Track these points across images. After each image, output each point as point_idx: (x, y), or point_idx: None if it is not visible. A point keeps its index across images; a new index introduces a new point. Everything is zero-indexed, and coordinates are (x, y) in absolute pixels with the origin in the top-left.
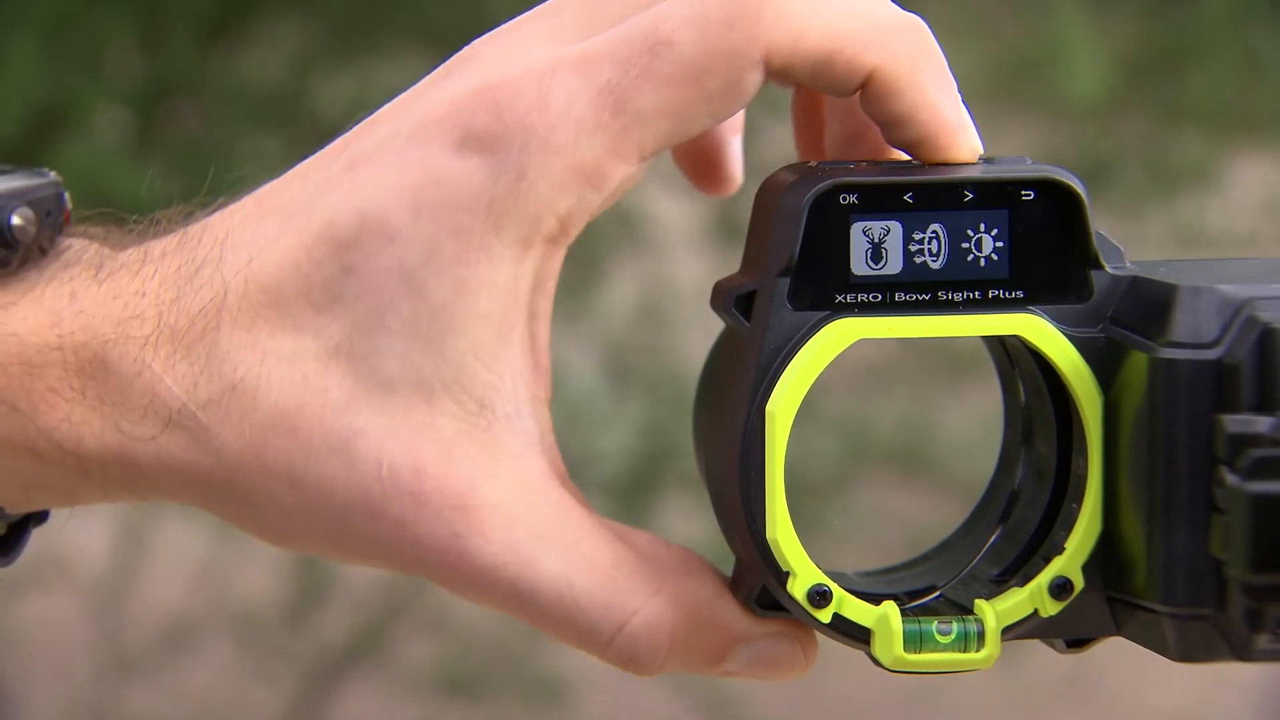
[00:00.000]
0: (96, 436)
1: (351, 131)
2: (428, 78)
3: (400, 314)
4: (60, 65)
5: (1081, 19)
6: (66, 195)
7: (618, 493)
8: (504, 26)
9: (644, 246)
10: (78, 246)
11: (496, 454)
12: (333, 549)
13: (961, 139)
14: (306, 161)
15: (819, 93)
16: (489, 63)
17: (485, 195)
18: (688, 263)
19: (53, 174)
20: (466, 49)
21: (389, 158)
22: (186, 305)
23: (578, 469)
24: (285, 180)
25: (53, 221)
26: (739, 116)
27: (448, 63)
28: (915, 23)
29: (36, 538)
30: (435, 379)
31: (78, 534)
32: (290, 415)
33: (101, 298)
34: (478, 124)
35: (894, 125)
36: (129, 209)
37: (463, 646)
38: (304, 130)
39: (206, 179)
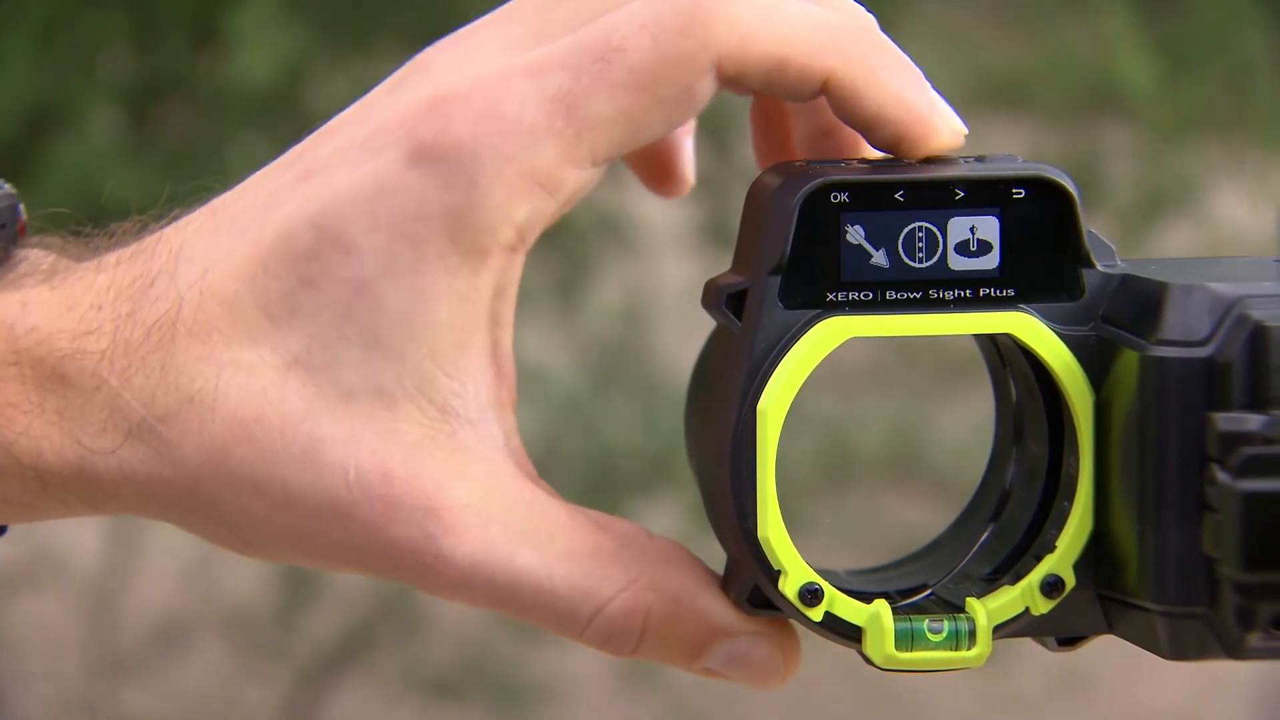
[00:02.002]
0: (56, 450)
1: (305, 141)
2: (381, 86)
3: (359, 324)
4: (53, 65)
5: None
6: (21, 207)
7: (601, 493)
8: (456, 34)
9: (630, 248)
10: (33, 258)
11: (464, 457)
12: (303, 555)
13: (939, 124)
14: (261, 171)
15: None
16: (441, 72)
17: (440, 205)
18: (674, 264)
19: (7, 186)
20: (419, 56)
21: (343, 168)
22: (142, 318)
23: (562, 468)
24: (239, 191)
25: (7, 234)
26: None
27: (400, 71)
28: (866, 21)
29: (30, 538)
30: (396, 387)
31: (70, 535)
32: (249, 425)
33: (56, 309)
34: (430, 134)
35: (868, 128)
36: (120, 208)
37: (452, 648)
38: (296, 131)
39: (198, 179)
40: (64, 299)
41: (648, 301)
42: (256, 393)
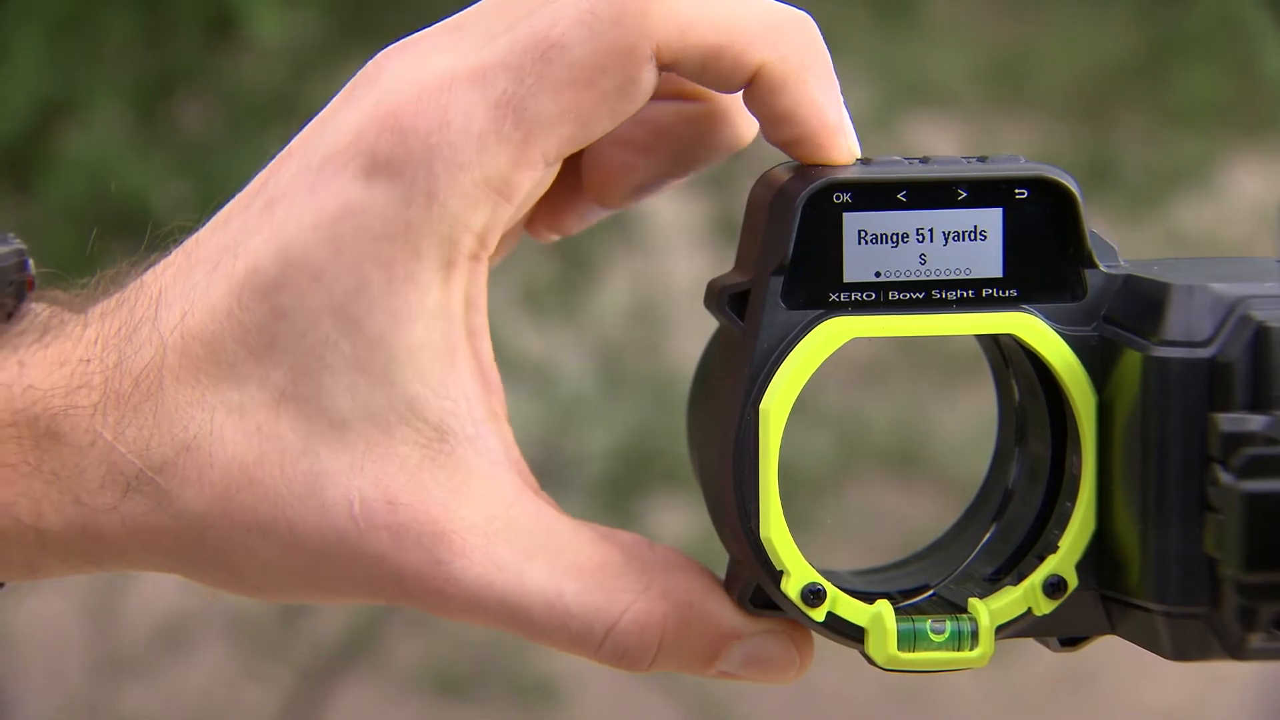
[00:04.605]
0: (57, 510)
1: (268, 166)
2: (335, 99)
3: (340, 351)
4: (64, 61)
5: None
6: (30, 262)
7: (610, 492)
8: (408, 39)
9: (638, 246)
10: (35, 312)
11: (465, 476)
12: (314, 593)
13: (841, 140)
14: (228, 205)
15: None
16: (390, 80)
17: (400, 221)
18: (681, 262)
19: (17, 240)
20: (370, 64)
21: (302, 193)
22: (129, 368)
23: (570, 468)
24: (209, 228)
25: (14, 289)
26: None
27: (353, 80)
28: (804, 20)
29: None
30: (389, 411)
31: None
32: (249, 468)
33: (48, 366)
34: (382, 149)
35: (776, 122)
36: (132, 205)
37: (456, 646)
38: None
39: (209, 175)
40: (56, 355)
41: (656, 299)
42: (251, 432)
